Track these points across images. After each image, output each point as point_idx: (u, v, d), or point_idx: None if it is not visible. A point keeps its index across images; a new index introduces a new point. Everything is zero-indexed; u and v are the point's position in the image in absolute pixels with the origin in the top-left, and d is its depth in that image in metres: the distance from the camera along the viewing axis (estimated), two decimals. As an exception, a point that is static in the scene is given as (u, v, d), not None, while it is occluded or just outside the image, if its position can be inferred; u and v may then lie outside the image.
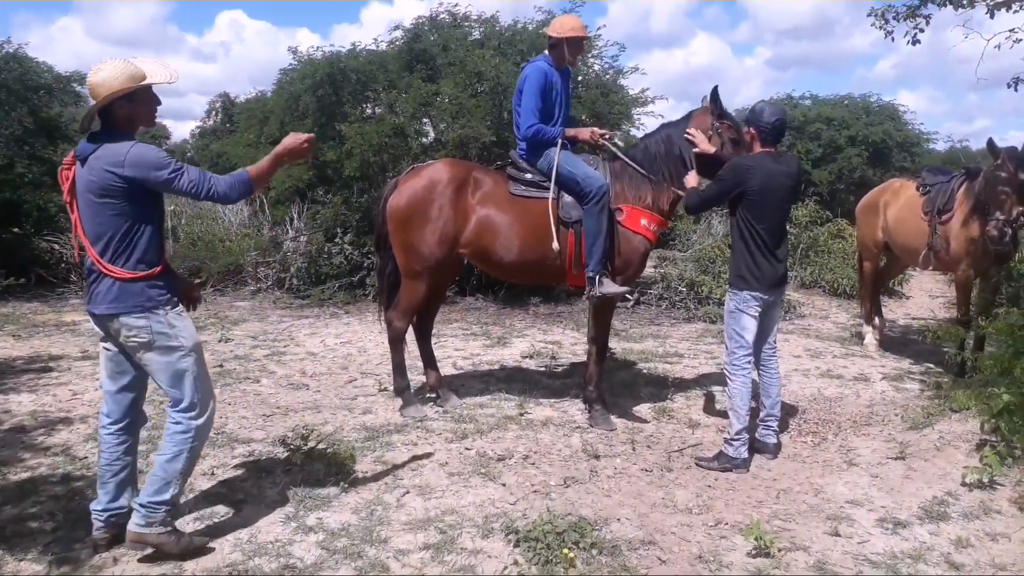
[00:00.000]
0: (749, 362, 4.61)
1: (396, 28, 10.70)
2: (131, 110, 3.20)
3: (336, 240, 9.77)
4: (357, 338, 7.84)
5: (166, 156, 3.19)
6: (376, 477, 4.29)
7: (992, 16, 7.23)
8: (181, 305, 3.40)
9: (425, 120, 9.94)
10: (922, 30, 7.20)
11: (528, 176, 5.27)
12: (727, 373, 4.67)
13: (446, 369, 6.44)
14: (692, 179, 5.01)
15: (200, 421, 3.37)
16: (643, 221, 5.17)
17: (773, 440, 4.79)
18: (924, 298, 11.62)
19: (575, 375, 6.45)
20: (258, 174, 3.35)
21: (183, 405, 3.32)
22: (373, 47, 10.71)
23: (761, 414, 4.81)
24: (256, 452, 4.65)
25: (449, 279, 5.94)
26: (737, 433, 4.53)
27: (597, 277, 5.00)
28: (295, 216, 10.81)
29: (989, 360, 5.12)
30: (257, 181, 3.35)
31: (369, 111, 10.38)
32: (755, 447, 4.74)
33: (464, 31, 10.73)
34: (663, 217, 5.29)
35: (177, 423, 3.33)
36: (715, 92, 5.14)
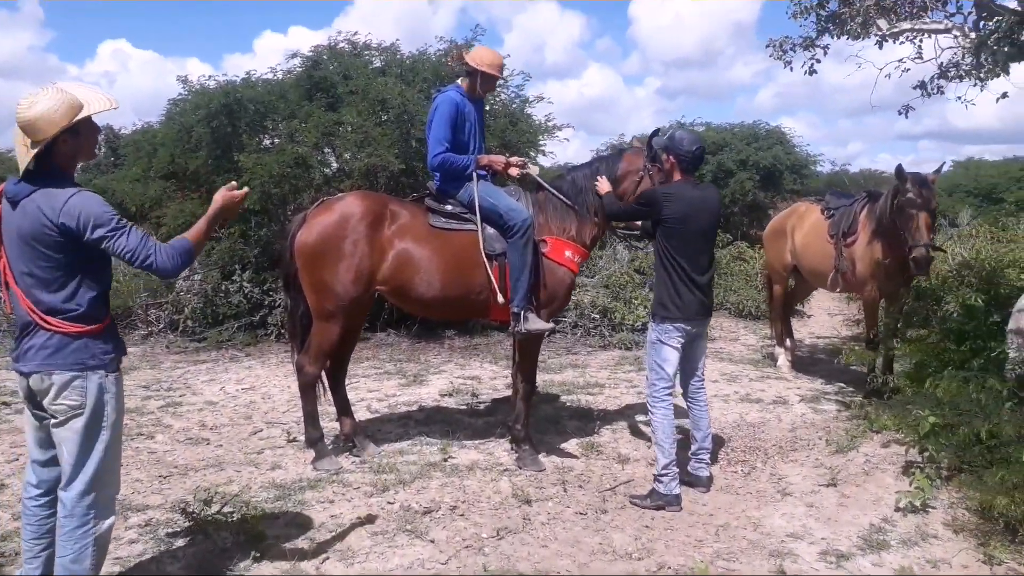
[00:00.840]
0: (670, 394, 4.50)
1: (294, 56, 10.30)
2: (75, 145, 2.88)
3: (234, 277, 9.19)
4: (260, 383, 7.33)
5: (110, 211, 2.84)
6: (291, 543, 3.89)
7: (880, 47, 7.54)
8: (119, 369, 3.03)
9: (327, 150, 9.56)
10: (819, 60, 7.41)
11: (448, 207, 5.04)
12: (648, 406, 4.57)
13: (360, 413, 6.06)
14: (604, 185, 4.97)
15: (98, 506, 2.96)
16: (567, 253, 5.01)
17: (706, 473, 4.68)
18: (824, 316, 12.02)
19: (498, 412, 6.20)
20: (196, 239, 3.03)
21: (79, 488, 2.90)
22: (270, 76, 10.25)
23: (693, 447, 4.70)
24: (153, 520, 4.16)
25: (363, 319, 5.59)
26: (664, 468, 4.39)
27: (522, 313, 4.79)
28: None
29: (905, 380, 5.20)
30: (197, 247, 3.04)
31: (267, 142, 9.89)
32: (687, 480, 4.62)
33: (365, 60, 10.43)
34: (586, 249, 5.16)
35: (69, 516, 2.91)
36: (654, 134, 5.09)
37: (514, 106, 9.99)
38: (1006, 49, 5.44)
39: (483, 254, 4.88)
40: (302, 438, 5.36)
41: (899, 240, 6.06)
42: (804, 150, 20.74)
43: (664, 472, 4.38)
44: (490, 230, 4.95)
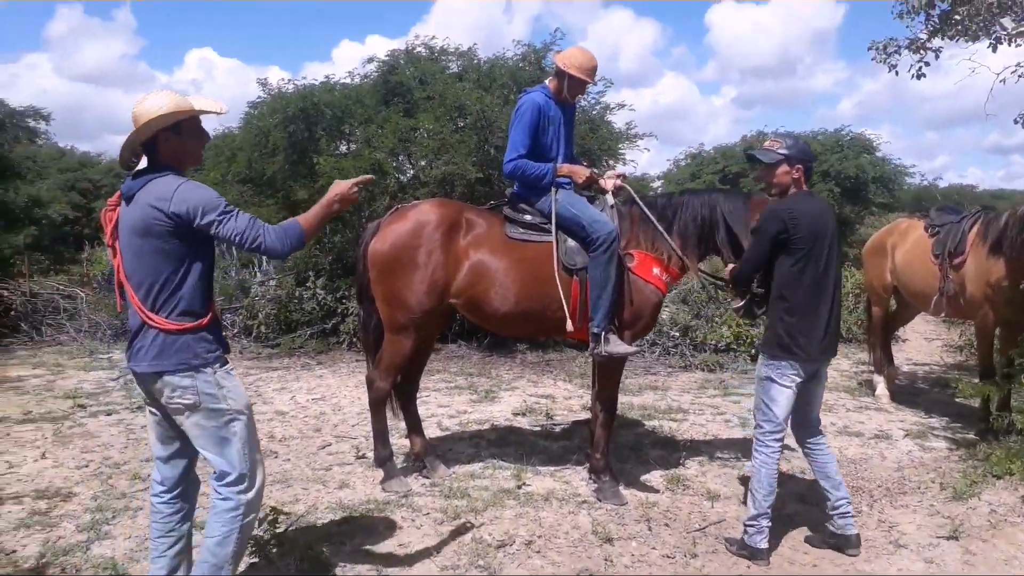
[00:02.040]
0: (778, 440, 3.89)
1: (371, 61, 10.23)
2: (177, 144, 2.94)
3: (307, 284, 9.14)
4: (331, 393, 7.18)
5: (218, 197, 2.88)
6: (355, 573, 3.64)
7: (995, 50, 6.91)
8: (230, 363, 3.05)
9: (403, 156, 9.42)
10: (928, 63, 6.83)
11: (527, 217, 4.74)
12: (753, 448, 3.96)
13: (430, 430, 5.81)
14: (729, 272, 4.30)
15: (250, 495, 2.99)
16: (655, 270, 4.64)
17: (854, 531, 3.98)
18: (920, 341, 11.25)
19: (574, 436, 5.86)
20: (309, 225, 3.01)
21: (231, 477, 2.95)
22: (347, 80, 10.19)
23: (831, 501, 3.97)
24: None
25: (437, 332, 5.35)
26: (753, 519, 3.86)
27: (603, 334, 4.45)
28: (263, 259, 10.17)
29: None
30: (309, 233, 3.01)
31: (344, 148, 9.83)
32: (834, 544, 3.99)
33: (441, 64, 10.29)
34: (677, 270, 4.75)
35: (225, 499, 2.95)
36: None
37: (594, 112, 9.66)
38: None
39: (560, 268, 4.56)
40: (371, 455, 5.14)
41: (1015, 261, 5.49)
42: (893, 161, 19.69)
43: (752, 523, 3.88)
44: (571, 242, 4.63)
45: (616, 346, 4.45)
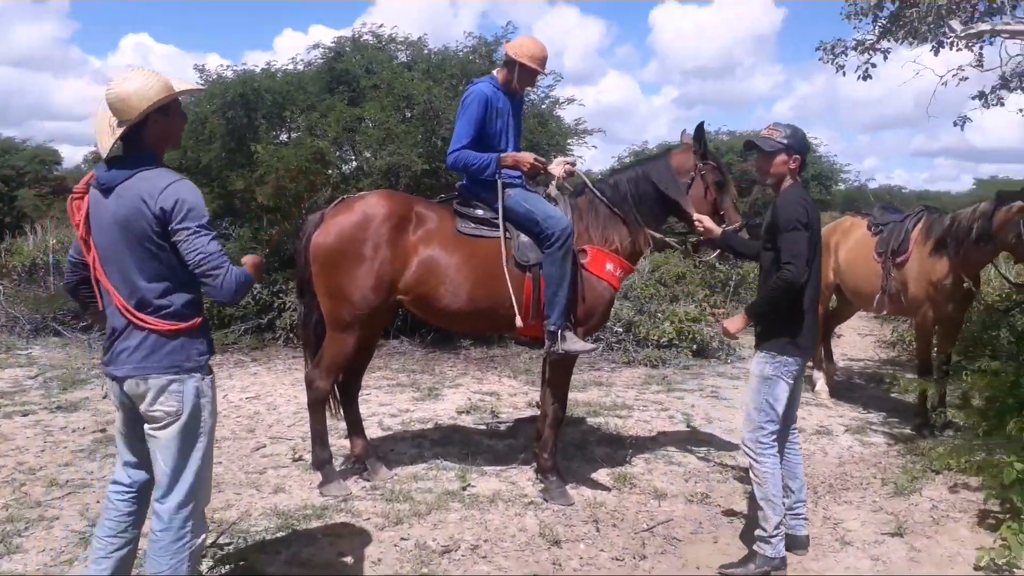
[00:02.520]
0: (776, 439, 3.82)
1: (315, 47, 9.90)
2: (165, 126, 2.74)
3: (243, 277, 8.78)
4: (266, 392, 6.90)
5: (207, 211, 2.69)
6: (294, 584, 3.46)
7: (936, 53, 7.06)
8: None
9: (346, 147, 9.15)
10: (874, 65, 6.94)
11: (478, 212, 4.60)
12: (752, 453, 3.77)
13: (371, 430, 5.62)
14: (734, 325, 3.89)
15: (195, 519, 2.81)
16: (609, 266, 4.56)
17: (804, 532, 3.97)
18: (854, 337, 11.49)
19: (520, 434, 5.75)
20: (257, 279, 2.92)
21: (177, 499, 2.74)
22: (290, 67, 9.85)
23: (788, 500, 3.89)
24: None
25: (381, 330, 5.16)
26: (776, 528, 3.70)
27: (560, 331, 4.34)
28: None
29: (974, 416, 4.70)
30: (251, 285, 2.86)
31: (285, 136, 9.50)
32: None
33: (389, 53, 10.03)
34: (630, 263, 4.70)
35: (166, 528, 2.74)
36: (700, 129, 4.64)
37: (543, 107, 9.55)
38: None
39: (512, 264, 4.45)
40: (308, 457, 4.93)
41: (969, 260, 5.61)
42: (830, 160, 20.24)
43: (775, 532, 3.71)
44: (523, 238, 4.51)
45: (573, 343, 4.35)
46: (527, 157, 4.56)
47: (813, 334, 3.84)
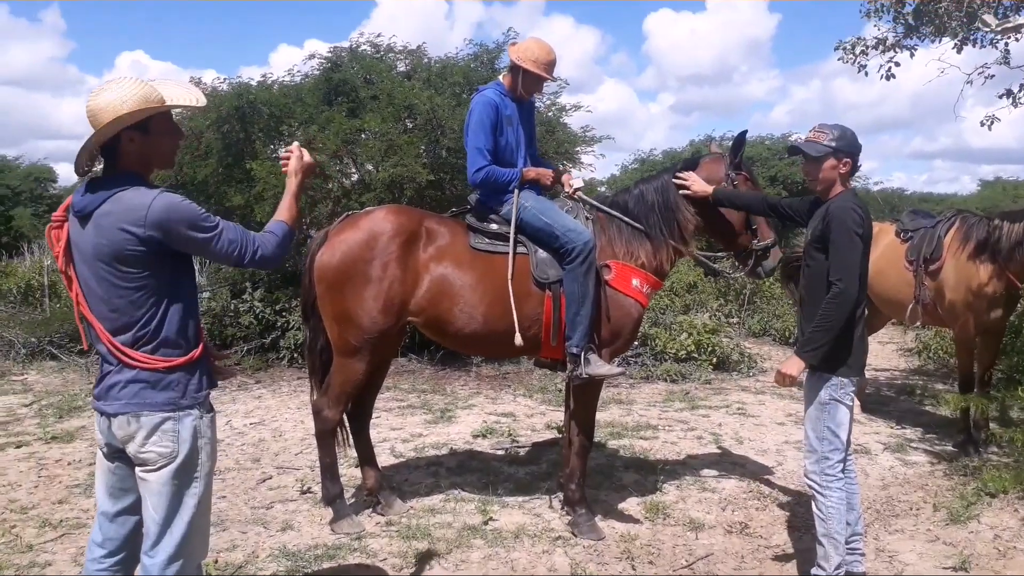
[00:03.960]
0: (844, 469, 3.48)
1: (312, 57, 9.60)
2: (144, 145, 2.42)
3: (244, 296, 8.48)
4: (271, 417, 6.58)
5: (200, 210, 2.43)
6: (306, 642, 3.13)
7: (959, 51, 6.77)
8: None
9: (346, 159, 8.84)
10: (898, 64, 6.65)
11: (493, 227, 4.29)
12: (817, 487, 3.44)
13: (383, 457, 5.29)
14: (793, 368, 3.40)
15: (190, 572, 2.51)
16: (635, 281, 4.24)
17: (861, 568, 3.61)
18: (874, 344, 11.12)
19: (541, 460, 5.42)
20: (293, 220, 2.68)
21: (168, 552, 2.43)
22: (287, 79, 9.56)
23: (845, 534, 3.52)
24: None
25: (392, 354, 4.84)
26: (837, 568, 3.42)
27: (583, 354, 4.02)
28: (195, 269, 9.46)
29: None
30: (295, 229, 2.69)
31: (282, 150, 9.19)
32: None
33: (388, 63, 9.74)
34: (657, 278, 4.38)
35: None
36: (741, 138, 4.37)
37: (550, 114, 9.25)
38: None
39: (531, 282, 4.15)
40: (317, 488, 4.62)
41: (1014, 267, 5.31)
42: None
43: (836, 573, 3.42)
44: (542, 254, 4.20)
45: (598, 367, 4.04)
46: (548, 173, 4.35)
47: (865, 350, 3.58)
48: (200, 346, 2.53)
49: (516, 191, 4.25)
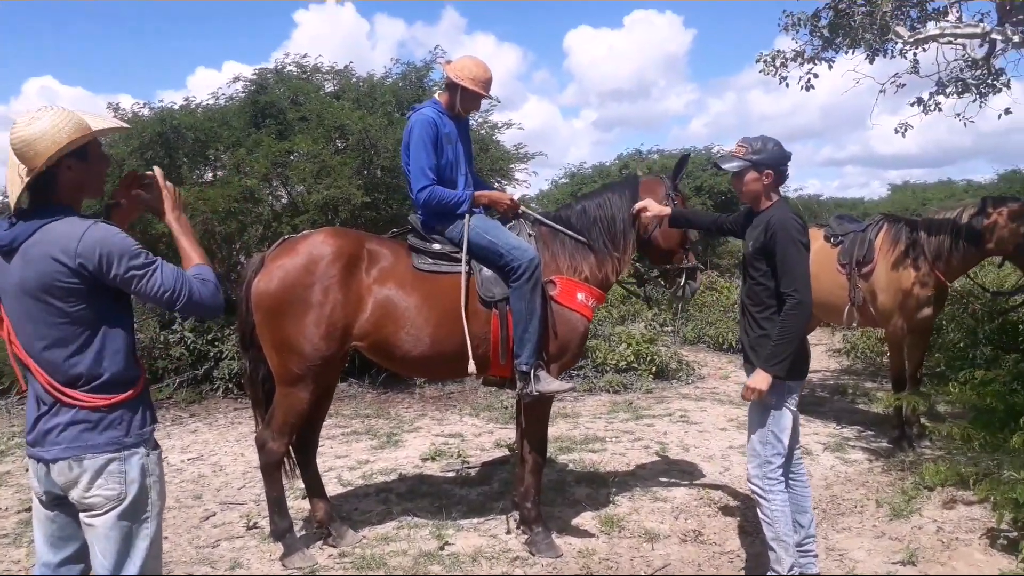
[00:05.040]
0: (791, 473, 3.58)
1: (236, 80, 9.39)
2: (81, 173, 2.33)
3: (174, 327, 8.17)
4: (209, 451, 6.34)
5: (135, 243, 2.31)
6: None
7: (872, 61, 7.06)
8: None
9: (275, 182, 8.65)
10: (816, 75, 6.91)
11: (436, 247, 4.24)
12: (760, 491, 3.47)
13: (331, 486, 5.15)
14: (762, 382, 3.35)
15: None
16: (580, 296, 4.25)
17: (815, 569, 3.65)
18: (804, 346, 11.52)
19: (493, 480, 5.37)
20: (205, 260, 2.50)
21: None
22: (211, 102, 9.32)
23: (797, 537, 3.58)
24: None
25: (336, 380, 4.72)
26: (790, 569, 3.43)
27: (532, 371, 4.00)
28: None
29: (972, 428, 4.55)
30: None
31: (210, 175, 8.95)
32: None
33: (315, 83, 9.61)
34: (601, 291, 4.41)
35: None
36: (684, 160, 4.47)
37: (483, 132, 9.27)
38: None
39: (476, 301, 4.12)
40: (264, 523, 4.46)
41: (952, 266, 5.57)
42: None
43: (791, 573, 3.43)
44: (487, 272, 4.17)
45: (548, 384, 4.02)
46: (504, 197, 4.37)
47: (807, 354, 3.66)
48: (141, 380, 2.41)
49: (469, 214, 4.22)
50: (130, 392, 2.36)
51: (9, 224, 2.28)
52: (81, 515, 2.35)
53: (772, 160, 3.49)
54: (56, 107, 2.29)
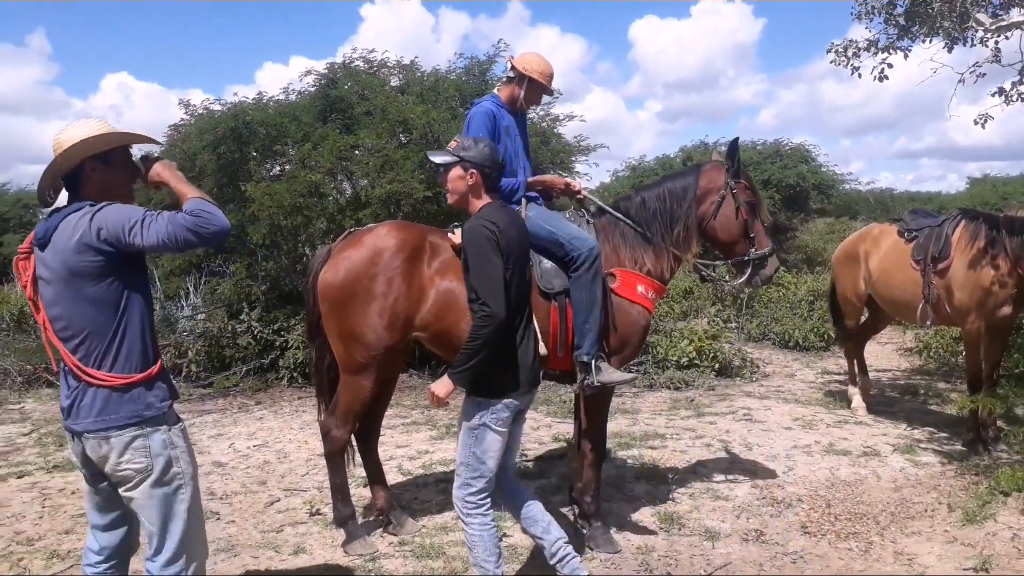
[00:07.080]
0: (488, 498, 3.28)
1: (308, 73, 9.58)
2: (106, 177, 2.63)
3: (241, 317, 8.41)
4: (274, 438, 6.50)
5: (137, 207, 2.56)
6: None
7: (950, 50, 6.78)
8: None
9: (340, 176, 8.81)
10: (890, 65, 6.64)
11: (496, 239, 4.25)
12: (460, 513, 3.29)
13: (391, 475, 5.23)
14: (441, 389, 3.23)
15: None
16: (640, 288, 4.21)
17: (584, 571, 3.40)
18: (873, 345, 11.15)
19: (551, 474, 5.38)
20: (204, 196, 2.64)
21: (167, 555, 2.63)
22: (282, 97, 9.54)
23: (548, 548, 3.37)
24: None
25: (399, 370, 4.79)
26: None
27: (593, 362, 3.98)
28: (191, 290, 9.39)
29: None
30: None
31: (277, 169, 9.16)
32: None
33: (381, 78, 9.73)
34: (662, 284, 4.36)
35: None
36: (734, 145, 4.34)
37: (544, 124, 9.25)
38: None
39: (536, 293, 4.10)
40: (327, 510, 4.56)
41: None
42: (831, 168, 19.95)
43: None
44: (547, 263, 4.16)
45: (609, 374, 3.99)
46: (558, 180, 4.36)
47: (528, 369, 3.29)
48: (158, 362, 2.66)
49: (524, 201, 4.23)
50: (147, 372, 2.60)
51: (47, 218, 2.58)
52: (120, 491, 2.63)
53: (480, 159, 3.26)
54: (91, 118, 2.65)
